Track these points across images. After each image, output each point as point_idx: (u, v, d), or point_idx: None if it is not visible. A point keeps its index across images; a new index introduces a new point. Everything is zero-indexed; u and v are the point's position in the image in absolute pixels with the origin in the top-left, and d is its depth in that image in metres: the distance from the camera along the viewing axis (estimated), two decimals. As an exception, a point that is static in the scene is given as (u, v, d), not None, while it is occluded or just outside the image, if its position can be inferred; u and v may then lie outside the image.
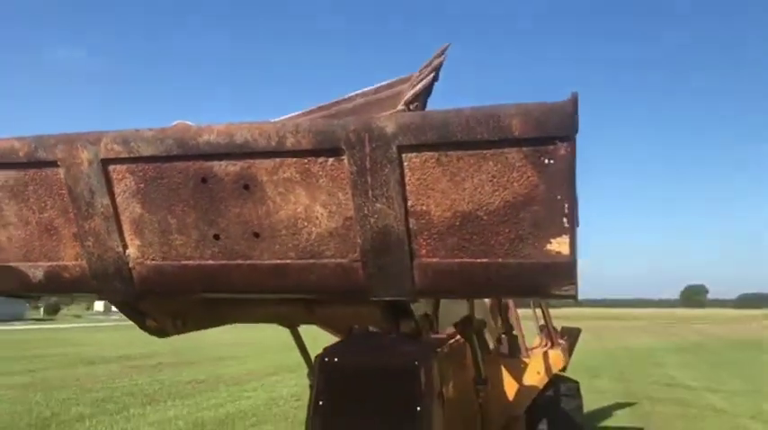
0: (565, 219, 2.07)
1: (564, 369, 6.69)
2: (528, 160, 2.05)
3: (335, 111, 2.85)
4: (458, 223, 2.16)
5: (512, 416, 5.35)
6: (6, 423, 10.21)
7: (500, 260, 2.15)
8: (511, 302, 5.89)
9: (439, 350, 4.05)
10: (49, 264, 2.56)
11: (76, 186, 2.40)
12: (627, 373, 18.33)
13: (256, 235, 2.32)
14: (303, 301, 3.04)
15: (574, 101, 1.98)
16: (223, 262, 2.37)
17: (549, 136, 2.01)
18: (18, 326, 47.97)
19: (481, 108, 2.07)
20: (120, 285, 2.51)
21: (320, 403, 3.89)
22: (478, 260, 2.17)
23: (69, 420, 10.43)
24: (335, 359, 3.94)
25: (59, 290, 2.63)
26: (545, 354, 5.93)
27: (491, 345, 5.44)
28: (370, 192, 2.16)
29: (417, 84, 2.46)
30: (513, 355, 5.45)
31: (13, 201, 2.53)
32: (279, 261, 2.32)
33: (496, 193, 2.11)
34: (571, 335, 7.52)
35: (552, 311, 7.14)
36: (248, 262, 2.35)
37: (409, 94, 2.39)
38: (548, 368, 5.72)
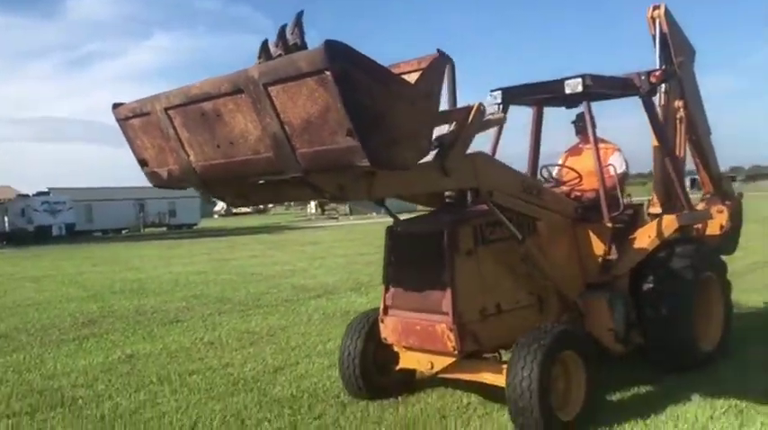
0: (349, 120, 3.25)
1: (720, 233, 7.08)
2: (319, 84, 3.28)
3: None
4: (305, 126, 3.48)
5: (613, 276, 6.05)
6: (336, 283, 13.56)
7: (328, 147, 3.44)
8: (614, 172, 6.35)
9: (476, 219, 5.18)
10: (167, 168, 4.51)
11: (159, 124, 4.27)
12: None
13: (232, 143, 3.92)
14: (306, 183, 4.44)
15: (325, 47, 3.13)
16: (224, 160, 4.03)
17: (320, 69, 3.20)
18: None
19: (290, 56, 3.35)
20: (195, 178, 4.35)
21: (391, 259, 5.43)
22: (321, 148, 3.48)
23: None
24: (398, 228, 5.43)
25: (175, 184, 4.60)
26: (659, 219, 6.31)
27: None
28: (261, 113, 3.60)
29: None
30: (596, 221, 5.99)
31: (145, 134, 4.51)
32: (243, 157, 3.90)
33: (314, 106, 3.38)
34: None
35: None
36: (232, 159, 3.97)
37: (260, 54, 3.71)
38: (660, 232, 6.17)
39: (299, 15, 3.69)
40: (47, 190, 50.74)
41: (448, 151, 4.57)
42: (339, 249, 24.12)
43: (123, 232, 54.27)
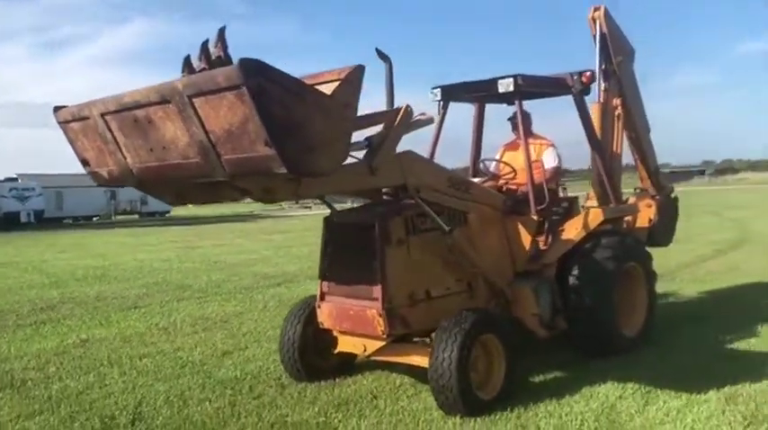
0: (264, 132, 3.58)
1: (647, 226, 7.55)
2: (237, 98, 3.61)
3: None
4: (227, 135, 3.81)
5: (543, 264, 6.45)
6: (297, 272, 13.83)
7: (249, 155, 3.77)
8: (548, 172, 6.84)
9: (408, 210, 5.56)
10: (107, 168, 4.81)
11: (97, 128, 4.56)
12: None
13: (164, 147, 4.23)
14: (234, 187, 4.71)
15: (239, 65, 3.46)
16: (158, 163, 4.34)
17: (237, 84, 3.53)
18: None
19: (210, 71, 3.68)
20: (133, 180, 4.66)
21: (327, 248, 5.80)
22: (243, 155, 3.81)
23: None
24: (334, 219, 5.79)
25: (114, 183, 4.89)
26: (586, 212, 6.76)
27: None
28: (188, 122, 3.92)
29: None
30: (524, 214, 6.41)
31: (85, 138, 4.79)
32: (175, 161, 4.22)
33: (234, 117, 3.70)
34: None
35: None
36: (165, 162, 4.28)
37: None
38: (586, 224, 6.61)
39: (222, 30, 4.01)
40: (15, 176, 50.20)
41: (376, 151, 4.95)
42: (307, 238, 24.22)
43: (94, 219, 53.91)
